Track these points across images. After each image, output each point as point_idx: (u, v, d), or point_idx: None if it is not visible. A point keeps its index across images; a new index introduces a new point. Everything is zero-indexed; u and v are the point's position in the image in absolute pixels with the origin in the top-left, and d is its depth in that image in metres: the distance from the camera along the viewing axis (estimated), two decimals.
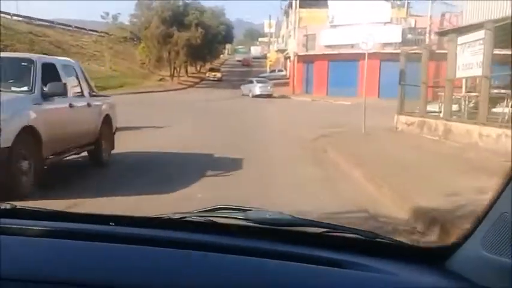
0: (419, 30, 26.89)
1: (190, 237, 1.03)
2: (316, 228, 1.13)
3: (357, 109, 21.96)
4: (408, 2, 28.62)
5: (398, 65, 28.02)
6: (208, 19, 37.91)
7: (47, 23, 37.02)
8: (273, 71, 46.54)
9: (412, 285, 0.91)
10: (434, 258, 0.98)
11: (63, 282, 0.85)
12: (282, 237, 1.06)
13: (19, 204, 1.15)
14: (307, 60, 31.79)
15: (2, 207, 1.11)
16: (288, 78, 41.12)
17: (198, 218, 1.16)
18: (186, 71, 42.94)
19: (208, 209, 1.23)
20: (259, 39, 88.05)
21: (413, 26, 26.72)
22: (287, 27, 48.75)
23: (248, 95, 27.63)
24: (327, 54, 29.83)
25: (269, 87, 28.45)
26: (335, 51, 29.56)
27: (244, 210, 1.17)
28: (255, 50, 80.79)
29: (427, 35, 25.54)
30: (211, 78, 41.13)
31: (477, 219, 0.90)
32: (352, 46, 30.36)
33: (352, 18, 28.49)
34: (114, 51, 39.58)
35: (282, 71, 46.48)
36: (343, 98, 26.87)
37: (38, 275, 0.87)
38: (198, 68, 50.18)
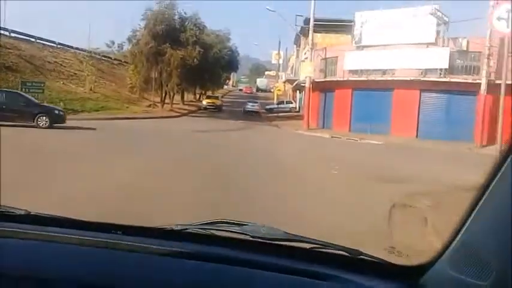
0: (473, 55, 21.18)
1: (190, 247, 1.13)
2: (305, 243, 1.20)
3: (398, 152, 16.08)
4: (448, 21, 22.75)
5: (444, 97, 22.40)
6: (210, 40, 32.84)
7: (24, 37, 31.86)
8: (281, 102, 41.37)
9: None
10: (409, 275, 1.07)
11: (67, 281, 0.98)
12: (275, 250, 1.15)
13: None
14: (325, 88, 26.10)
15: (17, 213, 1.23)
16: (298, 111, 35.69)
17: (198, 230, 1.24)
18: (182, 98, 37.40)
19: (209, 222, 1.28)
20: (266, 72, 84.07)
21: (465, 48, 20.89)
22: (297, 56, 44.02)
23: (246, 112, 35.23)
24: (352, 81, 24.06)
25: (256, 106, 36.72)
26: (362, 78, 23.85)
27: (241, 225, 1.23)
28: (261, 82, 76.43)
29: (485, 60, 19.62)
30: (208, 107, 35.52)
31: (446, 243, 0.97)
32: (384, 72, 24.82)
33: (385, 37, 22.97)
34: (98, 70, 34.32)
35: (291, 102, 41.22)
36: (371, 135, 21.09)
37: (47, 275, 1.00)
38: (197, 97, 44.87)
